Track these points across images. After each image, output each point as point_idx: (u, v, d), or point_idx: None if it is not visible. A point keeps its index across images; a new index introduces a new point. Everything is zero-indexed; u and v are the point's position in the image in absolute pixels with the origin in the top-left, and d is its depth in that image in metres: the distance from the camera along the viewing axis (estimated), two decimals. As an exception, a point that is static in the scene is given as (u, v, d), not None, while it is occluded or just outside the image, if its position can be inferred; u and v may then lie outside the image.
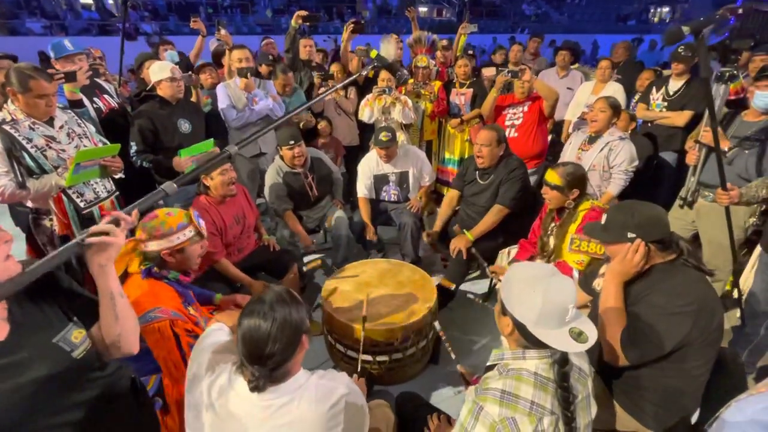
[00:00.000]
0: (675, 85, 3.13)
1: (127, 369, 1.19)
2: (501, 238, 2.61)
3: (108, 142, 2.32)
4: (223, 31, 3.26)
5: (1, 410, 0.86)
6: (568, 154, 2.90)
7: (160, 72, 2.60)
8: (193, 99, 3.11)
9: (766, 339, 2.01)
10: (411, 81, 3.66)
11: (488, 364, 1.12)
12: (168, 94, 2.62)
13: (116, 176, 2.25)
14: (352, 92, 3.74)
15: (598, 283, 1.56)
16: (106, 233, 0.92)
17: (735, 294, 2.20)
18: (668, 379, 1.30)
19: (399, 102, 3.26)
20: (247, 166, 3.29)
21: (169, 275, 1.53)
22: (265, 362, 0.96)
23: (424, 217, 3.24)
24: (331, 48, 6.60)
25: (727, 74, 2.04)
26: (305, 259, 3.12)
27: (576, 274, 2.05)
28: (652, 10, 20.48)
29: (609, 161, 2.66)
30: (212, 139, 2.47)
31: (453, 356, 1.71)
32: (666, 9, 20.27)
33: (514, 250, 2.51)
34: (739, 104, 2.44)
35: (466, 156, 3.65)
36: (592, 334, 1.01)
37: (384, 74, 3.25)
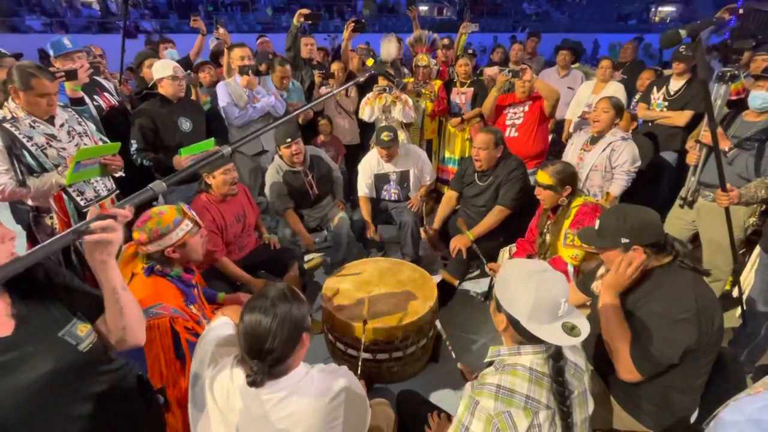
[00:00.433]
0: (676, 84, 3.12)
1: (134, 365, 1.20)
2: (501, 238, 2.62)
3: (108, 141, 2.32)
4: (221, 30, 3.25)
5: (10, 405, 0.86)
6: (570, 154, 2.90)
7: (162, 70, 2.60)
8: (193, 98, 3.10)
9: (766, 339, 2.02)
10: (411, 80, 3.66)
11: (486, 361, 1.14)
12: (169, 92, 2.62)
13: (116, 175, 2.25)
14: (353, 91, 3.74)
15: (596, 286, 1.56)
16: (104, 228, 0.91)
17: (735, 293, 2.21)
18: (668, 380, 1.30)
19: (399, 101, 3.26)
20: (248, 165, 3.30)
21: (171, 272, 1.53)
22: (264, 357, 0.96)
23: (424, 217, 3.24)
24: (332, 46, 6.60)
25: (728, 74, 2.04)
26: (306, 258, 3.13)
27: (571, 269, 2.07)
28: (653, 10, 20.43)
29: (611, 162, 2.66)
30: (213, 139, 2.47)
31: (453, 355, 1.72)
32: (667, 8, 20.23)
33: (514, 248, 2.52)
34: (740, 104, 2.43)
35: (467, 155, 3.65)
36: (584, 328, 1.03)
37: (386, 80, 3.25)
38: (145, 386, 1.21)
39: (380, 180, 3.08)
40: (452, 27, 5.28)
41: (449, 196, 2.94)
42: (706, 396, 1.41)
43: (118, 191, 2.34)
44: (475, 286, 2.98)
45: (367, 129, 3.74)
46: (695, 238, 2.57)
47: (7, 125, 1.90)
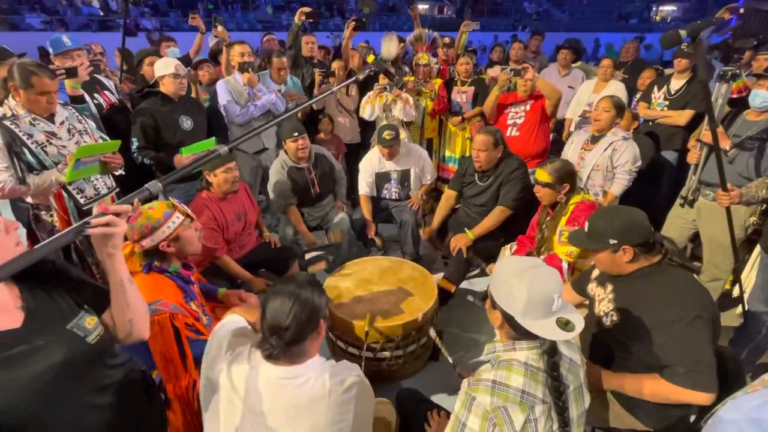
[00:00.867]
0: (677, 84, 3.12)
1: (138, 360, 1.21)
2: (502, 237, 2.62)
3: (108, 139, 2.32)
4: (220, 28, 3.25)
5: (20, 397, 0.87)
6: (570, 153, 2.90)
7: (164, 68, 2.59)
8: (194, 96, 3.10)
9: (767, 338, 2.02)
10: (411, 78, 3.66)
11: (482, 358, 1.15)
12: (170, 90, 2.61)
13: (116, 173, 2.25)
14: (354, 89, 3.74)
15: (591, 288, 1.57)
16: (107, 224, 0.94)
17: (736, 292, 2.21)
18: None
19: (400, 99, 3.26)
20: (249, 163, 3.29)
21: (170, 268, 1.54)
22: (283, 334, 1.01)
23: (423, 215, 3.25)
24: (333, 44, 6.59)
25: (729, 73, 2.04)
26: (307, 257, 3.13)
27: (565, 266, 2.08)
28: (654, 9, 20.40)
29: (613, 161, 2.66)
30: (214, 138, 2.46)
31: (450, 360, 1.73)
32: (668, 8, 20.19)
33: (515, 246, 2.52)
34: (741, 103, 2.43)
35: (467, 154, 3.65)
36: (578, 323, 1.04)
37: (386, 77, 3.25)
38: (148, 381, 1.22)
39: (381, 179, 3.07)
40: (452, 26, 5.26)
41: (448, 195, 2.94)
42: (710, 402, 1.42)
43: (118, 189, 2.34)
44: (475, 286, 2.98)
45: (367, 128, 3.73)
46: (695, 237, 2.57)
47: (7, 123, 1.90)
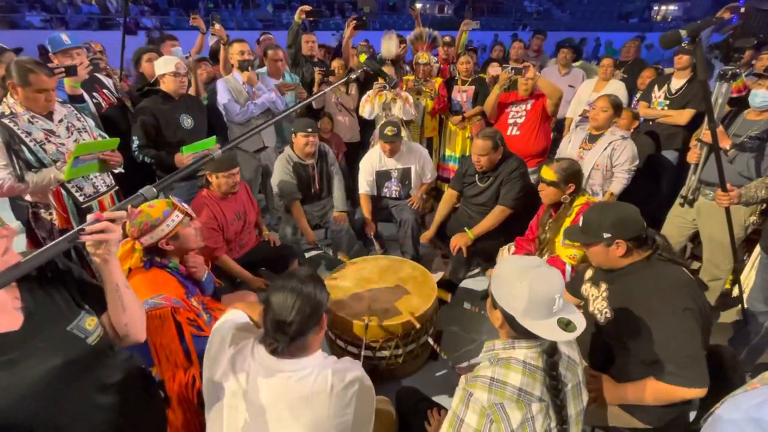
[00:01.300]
0: (677, 83, 3.12)
1: (137, 358, 1.22)
2: (502, 237, 2.62)
3: (107, 137, 2.31)
4: (217, 26, 3.24)
5: (21, 399, 0.87)
6: (567, 152, 2.90)
7: (164, 66, 2.58)
8: (192, 85, 3.08)
9: (766, 338, 2.02)
10: (412, 78, 3.65)
11: (481, 355, 1.15)
12: (171, 88, 2.61)
13: (116, 171, 2.25)
14: (353, 88, 3.73)
15: (585, 289, 1.57)
16: (102, 231, 0.94)
17: (735, 292, 2.21)
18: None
19: (399, 98, 3.26)
20: (249, 162, 3.29)
21: (170, 264, 1.56)
22: (287, 329, 1.02)
23: (423, 214, 3.24)
24: (337, 43, 6.57)
25: (730, 72, 2.04)
26: (307, 256, 3.13)
27: (569, 269, 2.07)
28: (655, 8, 20.38)
29: (612, 161, 2.67)
30: (215, 137, 2.46)
31: (450, 363, 1.73)
32: (668, 7, 20.18)
33: (513, 247, 2.52)
34: (741, 102, 2.43)
35: (468, 153, 3.65)
36: (580, 324, 1.03)
37: (386, 69, 3.24)
38: (147, 380, 1.23)
39: (382, 177, 3.07)
40: (452, 25, 5.26)
41: (449, 195, 2.93)
42: (704, 396, 1.42)
43: (117, 187, 2.33)
44: (476, 285, 2.98)
45: (367, 127, 3.73)
46: (695, 237, 2.57)
47: (5, 121, 1.89)
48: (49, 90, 1.95)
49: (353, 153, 3.78)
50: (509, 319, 1.07)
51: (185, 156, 2.37)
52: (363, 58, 1.76)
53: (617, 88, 3.61)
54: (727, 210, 1.95)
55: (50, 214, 2.11)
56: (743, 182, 2.04)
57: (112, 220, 0.96)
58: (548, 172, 2.07)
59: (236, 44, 3.13)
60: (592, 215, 1.41)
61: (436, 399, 1.56)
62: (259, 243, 2.61)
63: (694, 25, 1.52)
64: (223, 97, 3.07)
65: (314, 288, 1.09)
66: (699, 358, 1.23)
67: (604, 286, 1.46)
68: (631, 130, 3.14)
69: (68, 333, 0.97)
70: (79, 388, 0.98)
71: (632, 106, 3.65)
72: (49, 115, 2.03)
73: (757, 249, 2.12)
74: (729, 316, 2.42)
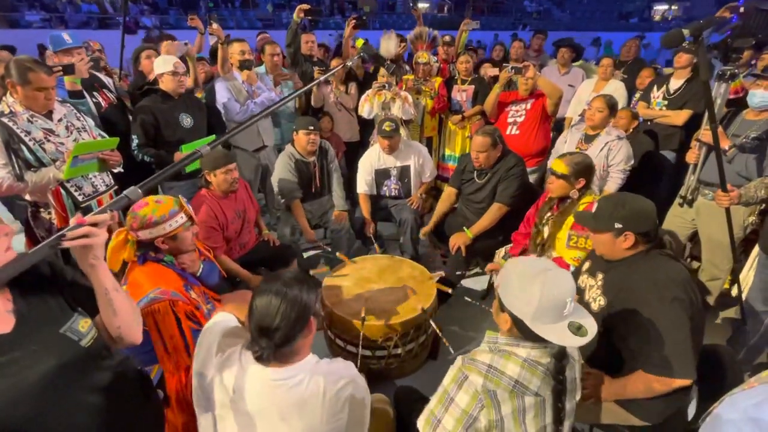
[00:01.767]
0: (676, 83, 3.12)
1: (133, 359, 1.20)
2: (500, 236, 2.62)
3: (107, 136, 2.31)
4: (215, 25, 3.24)
5: (15, 403, 0.86)
6: (564, 151, 2.90)
7: (163, 65, 2.58)
8: (190, 74, 3.07)
9: (765, 338, 2.03)
10: (411, 77, 3.65)
11: (482, 345, 1.14)
12: (170, 87, 2.61)
13: (115, 170, 2.25)
14: (353, 88, 3.73)
15: (582, 281, 1.58)
16: (85, 235, 0.91)
17: (734, 292, 2.21)
18: None
19: (399, 98, 3.25)
20: (248, 161, 3.29)
21: (165, 258, 1.53)
22: (272, 336, 0.99)
23: (422, 214, 3.24)
24: (336, 43, 6.57)
25: (728, 73, 2.04)
26: (306, 255, 3.12)
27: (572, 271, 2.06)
28: (655, 8, 20.38)
29: (608, 161, 2.68)
30: (214, 136, 2.46)
31: (452, 351, 1.73)
32: (668, 7, 20.18)
33: (509, 246, 2.52)
34: (739, 103, 2.43)
35: (467, 152, 3.65)
36: (591, 328, 1.00)
37: (384, 69, 3.24)
38: (144, 381, 1.21)
39: (381, 175, 3.08)
40: (452, 25, 5.25)
41: (448, 192, 2.94)
42: (703, 394, 1.42)
43: (116, 187, 2.33)
44: (476, 284, 2.98)
45: (366, 126, 3.73)
46: (694, 237, 2.57)
47: (4, 120, 1.89)
48: (49, 88, 1.95)
49: (353, 152, 3.78)
50: (517, 323, 1.04)
51: (184, 155, 2.36)
52: (360, 43, 1.74)
53: (617, 88, 3.61)
54: (727, 210, 1.95)
55: (49, 213, 2.11)
56: (742, 182, 2.05)
57: (95, 224, 0.92)
58: (560, 165, 2.04)
59: (236, 44, 3.13)
60: (608, 204, 1.40)
61: (435, 398, 1.56)
62: (258, 242, 2.61)
63: (696, 24, 1.52)
64: (222, 96, 3.07)
65: (300, 290, 1.04)
66: (685, 348, 1.23)
67: (600, 275, 1.47)
68: (631, 130, 3.14)
69: (61, 335, 0.95)
70: (73, 390, 0.97)
71: (631, 105, 3.65)
72: (49, 114, 2.02)
73: (756, 249, 2.13)
74: (728, 315, 2.42)
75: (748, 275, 2.22)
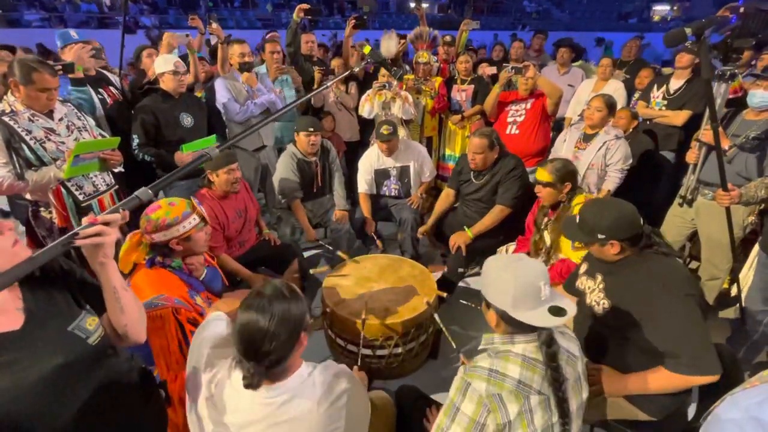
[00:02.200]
0: (676, 83, 3.12)
1: (138, 358, 1.21)
2: (501, 236, 2.62)
3: (108, 136, 2.31)
4: (214, 25, 3.25)
5: (22, 400, 0.87)
6: (563, 151, 2.91)
7: (164, 64, 2.58)
8: (191, 68, 3.07)
9: (764, 337, 2.03)
10: (411, 77, 3.65)
11: (479, 348, 1.16)
12: (170, 87, 2.61)
13: (115, 170, 2.25)
14: (353, 87, 3.73)
15: (581, 282, 1.59)
16: (97, 234, 0.92)
17: (734, 291, 2.22)
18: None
19: (399, 98, 3.26)
20: (248, 161, 3.29)
21: (173, 263, 1.54)
22: (261, 359, 0.94)
23: (422, 214, 3.24)
24: (332, 43, 6.58)
25: (728, 73, 2.04)
26: (306, 255, 3.12)
27: None
28: (654, 8, 20.40)
29: (606, 160, 2.69)
30: (215, 135, 2.47)
31: (454, 345, 1.74)
32: (668, 7, 20.20)
33: (512, 247, 2.52)
34: (738, 103, 2.44)
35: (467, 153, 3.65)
36: (570, 308, 1.06)
37: (384, 69, 3.24)
38: (148, 380, 1.22)
39: (380, 175, 3.08)
40: (451, 25, 5.26)
41: (447, 193, 2.94)
42: (703, 393, 1.42)
43: (117, 186, 2.33)
44: (475, 284, 2.98)
45: (366, 126, 3.73)
46: (693, 236, 2.58)
47: (5, 118, 1.89)
48: (52, 89, 1.95)
49: (353, 152, 3.78)
50: (502, 315, 1.09)
51: (185, 154, 2.37)
52: (367, 49, 1.74)
53: (617, 87, 3.62)
54: (727, 210, 1.96)
55: (50, 212, 2.11)
56: (741, 182, 2.05)
57: (107, 224, 0.94)
58: (543, 174, 2.09)
59: (237, 46, 3.13)
60: (588, 215, 1.43)
61: (435, 397, 1.56)
62: (259, 242, 2.61)
63: (699, 23, 1.53)
64: (222, 96, 3.07)
65: (288, 304, 0.98)
66: (708, 344, 1.24)
67: (600, 277, 1.48)
68: (630, 130, 3.15)
69: (69, 333, 0.96)
70: (80, 388, 0.98)
71: (631, 105, 3.66)
72: (50, 114, 2.03)
73: (756, 248, 2.13)
74: (727, 315, 2.42)
75: (747, 275, 2.22)
